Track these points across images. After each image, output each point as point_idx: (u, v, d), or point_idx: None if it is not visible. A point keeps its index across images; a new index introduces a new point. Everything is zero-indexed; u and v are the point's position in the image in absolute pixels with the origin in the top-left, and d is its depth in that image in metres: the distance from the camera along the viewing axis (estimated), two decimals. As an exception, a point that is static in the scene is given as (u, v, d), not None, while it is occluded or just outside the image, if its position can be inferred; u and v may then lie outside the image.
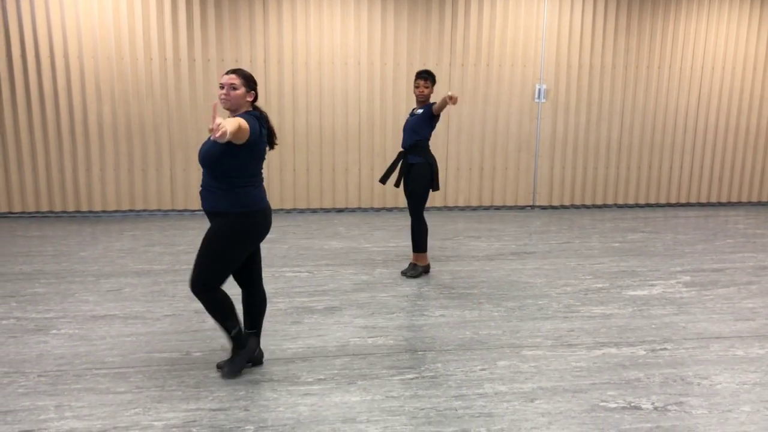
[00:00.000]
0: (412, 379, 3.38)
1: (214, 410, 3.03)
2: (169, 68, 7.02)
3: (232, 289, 3.95)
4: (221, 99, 3.23)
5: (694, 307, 4.55)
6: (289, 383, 3.31)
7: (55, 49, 6.80)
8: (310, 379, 3.36)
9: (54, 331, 3.94)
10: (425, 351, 3.73)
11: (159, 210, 7.35)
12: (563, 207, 8.15)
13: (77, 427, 2.86)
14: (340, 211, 7.66)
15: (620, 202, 8.22)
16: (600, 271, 5.41)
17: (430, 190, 5.07)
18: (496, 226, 7.04)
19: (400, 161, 5.09)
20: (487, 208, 7.97)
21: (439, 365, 3.54)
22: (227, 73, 3.24)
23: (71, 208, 7.16)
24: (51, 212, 7.15)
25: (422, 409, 3.06)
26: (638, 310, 4.49)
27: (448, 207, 7.92)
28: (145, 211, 7.32)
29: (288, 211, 7.55)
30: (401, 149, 5.15)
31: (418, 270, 5.16)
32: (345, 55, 7.31)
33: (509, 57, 7.63)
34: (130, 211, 7.30)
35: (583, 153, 8.03)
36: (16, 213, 7.11)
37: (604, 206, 8.20)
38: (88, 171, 7.11)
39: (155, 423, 2.90)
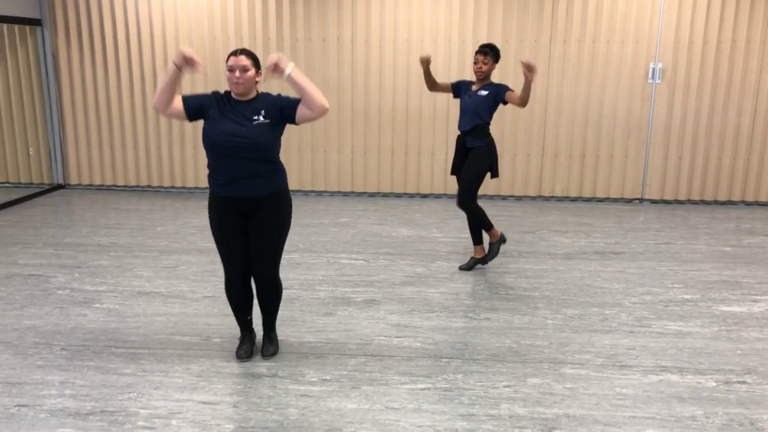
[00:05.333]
0: (422, 389, 3.07)
1: (203, 403, 2.93)
2: (258, 48, 7.05)
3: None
4: (233, 84, 3.06)
5: (800, 333, 3.77)
6: (291, 381, 3.14)
7: (155, 31, 7.08)
8: (314, 379, 3.16)
9: (97, 305, 4.06)
10: (450, 358, 3.39)
11: (247, 188, 7.48)
12: (677, 202, 7.23)
13: (69, 406, 2.88)
14: (424, 196, 7.35)
15: (749, 199, 7.14)
16: (694, 279, 4.68)
17: (488, 176, 4.66)
18: (590, 221, 6.38)
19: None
20: (587, 200, 7.27)
21: (460, 376, 3.19)
22: (235, 55, 3.05)
23: (167, 183, 7.49)
24: (149, 186, 7.54)
25: (418, 427, 2.75)
26: (726, 330, 3.80)
27: (544, 197, 7.32)
28: (234, 189, 7.48)
29: (371, 195, 7.37)
30: (460, 132, 4.73)
31: (494, 249, 4.76)
32: (435, 32, 6.93)
33: (619, 32, 6.83)
34: (221, 188, 7.50)
35: (705, 141, 7.04)
36: (120, 186, 7.57)
37: (729, 203, 7.16)
38: (182, 148, 7.39)
39: (141, 411, 2.85)
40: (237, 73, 3.02)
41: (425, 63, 4.62)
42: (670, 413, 2.88)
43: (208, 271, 4.72)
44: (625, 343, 3.61)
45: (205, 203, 6.98)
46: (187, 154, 7.41)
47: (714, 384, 3.15)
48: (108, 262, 4.91)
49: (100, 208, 6.67)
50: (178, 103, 3.07)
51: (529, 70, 4.10)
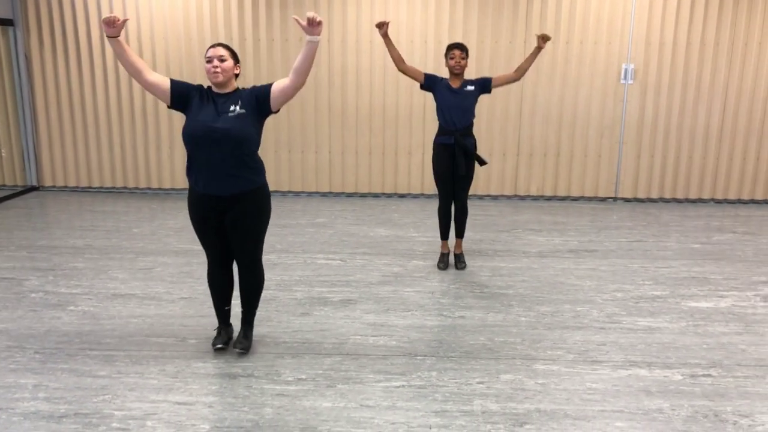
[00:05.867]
0: (397, 387, 3.11)
1: (178, 404, 2.93)
2: (234, 48, 7.03)
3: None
4: (212, 73, 3.08)
5: (765, 327, 3.88)
6: (267, 380, 3.16)
7: (130, 32, 7.04)
8: (290, 378, 3.18)
9: (71, 308, 4.04)
10: (425, 356, 3.43)
11: (224, 189, 7.46)
12: (650, 200, 7.36)
13: (42, 409, 2.87)
14: (402, 196, 7.40)
15: (718, 197, 7.29)
16: (664, 276, 4.78)
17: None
18: (564, 219, 6.48)
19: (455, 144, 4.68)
20: (562, 199, 7.38)
21: (434, 374, 3.24)
22: (212, 47, 3.11)
23: (143, 184, 7.44)
24: (125, 188, 7.48)
25: (392, 424, 2.79)
26: (693, 325, 3.90)
27: (519, 196, 7.40)
28: (211, 190, 7.45)
29: (349, 195, 7.40)
30: (453, 130, 4.65)
31: (464, 258, 4.99)
32: (411, 33, 6.98)
33: (592, 33, 6.94)
34: (198, 189, 7.47)
35: (676, 140, 7.18)
36: (95, 188, 7.50)
37: (699, 201, 7.31)
38: (158, 149, 7.34)
39: (116, 412, 2.85)
40: (215, 62, 3.06)
41: (383, 27, 4.55)
42: (638, 407, 2.95)
43: (184, 273, 4.71)
44: (596, 339, 3.69)
45: (181, 204, 6.99)
46: (163, 155, 7.37)
47: (681, 377, 3.24)
48: (83, 264, 4.88)
49: (75, 210, 6.61)
50: (164, 82, 3.12)
51: (544, 40, 4.55)
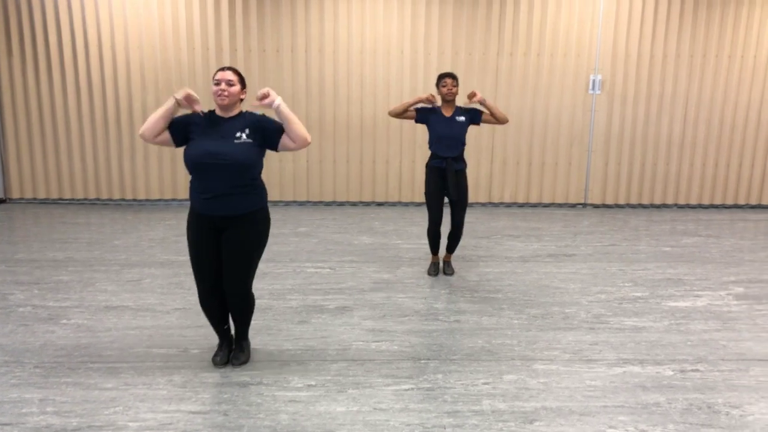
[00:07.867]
0: (406, 390, 3.18)
1: (193, 413, 2.94)
2: (211, 58, 7.03)
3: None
4: (218, 96, 3.10)
5: (741, 323, 4.11)
6: (277, 388, 3.19)
7: (103, 40, 6.94)
8: (299, 385, 3.22)
9: (64, 321, 3.98)
10: (428, 360, 3.52)
11: (200, 199, 7.41)
12: (617, 206, 7.66)
13: (54, 423, 2.83)
14: (380, 204, 7.49)
15: (681, 202, 7.64)
16: (642, 278, 5.00)
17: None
18: (539, 225, 6.68)
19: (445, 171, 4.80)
20: (534, 206, 7.60)
21: (440, 376, 3.33)
22: (222, 70, 3.12)
23: (116, 195, 7.33)
24: (98, 199, 7.35)
25: (408, 425, 2.86)
26: (675, 323, 4.10)
27: (493, 203, 7.59)
28: (186, 200, 7.40)
29: (327, 204, 7.45)
30: (444, 157, 4.75)
31: (452, 266, 5.12)
32: (387, 44, 7.10)
33: (562, 46, 7.20)
34: (173, 200, 7.40)
35: (641, 148, 7.50)
36: (66, 200, 7.34)
37: (663, 206, 7.65)
38: (133, 159, 7.25)
39: (130, 424, 2.84)
40: (222, 85, 3.08)
41: (429, 100, 4.70)
42: (637, 401, 3.11)
43: (174, 284, 4.68)
44: (587, 339, 3.84)
45: (158, 215, 6.91)
46: (138, 165, 7.27)
47: (671, 373, 3.41)
48: (68, 277, 4.79)
49: (47, 223, 6.46)
50: (165, 132, 3.13)
51: (471, 97, 4.64)
